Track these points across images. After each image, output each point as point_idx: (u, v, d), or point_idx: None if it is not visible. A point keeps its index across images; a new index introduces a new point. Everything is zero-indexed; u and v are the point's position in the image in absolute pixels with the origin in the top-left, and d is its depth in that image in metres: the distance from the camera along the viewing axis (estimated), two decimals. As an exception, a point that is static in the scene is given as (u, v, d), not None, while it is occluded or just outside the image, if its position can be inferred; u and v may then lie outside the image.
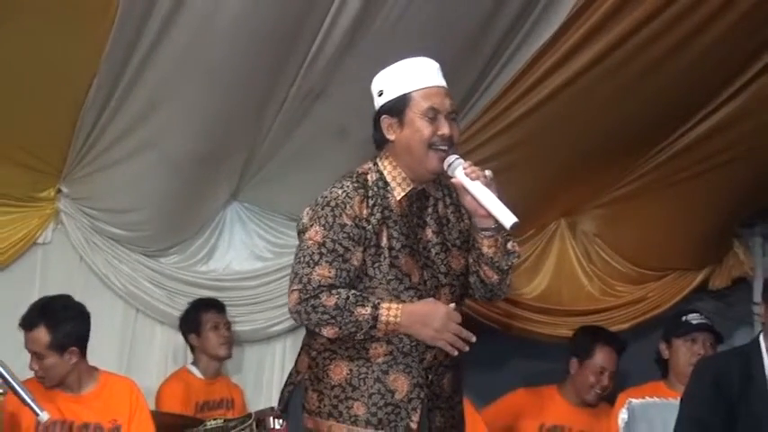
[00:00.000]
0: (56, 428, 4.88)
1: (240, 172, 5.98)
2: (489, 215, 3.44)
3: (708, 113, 5.81)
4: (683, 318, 5.79)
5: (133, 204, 5.90)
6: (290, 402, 3.58)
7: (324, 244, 3.38)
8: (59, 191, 5.84)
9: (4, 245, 5.74)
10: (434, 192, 3.61)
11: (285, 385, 3.64)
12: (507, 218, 3.39)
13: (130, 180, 5.71)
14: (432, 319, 3.39)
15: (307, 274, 3.37)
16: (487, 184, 3.43)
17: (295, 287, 3.39)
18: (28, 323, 4.89)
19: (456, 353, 3.46)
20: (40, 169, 5.68)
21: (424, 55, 3.63)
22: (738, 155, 5.99)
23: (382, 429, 3.40)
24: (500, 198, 3.43)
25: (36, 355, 4.87)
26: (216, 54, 5.01)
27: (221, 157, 5.74)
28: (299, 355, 3.61)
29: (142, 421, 5.00)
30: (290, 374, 3.63)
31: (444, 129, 3.47)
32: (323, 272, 3.36)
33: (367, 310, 3.35)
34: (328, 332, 3.38)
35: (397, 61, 3.56)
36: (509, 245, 3.60)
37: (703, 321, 5.74)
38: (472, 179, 3.42)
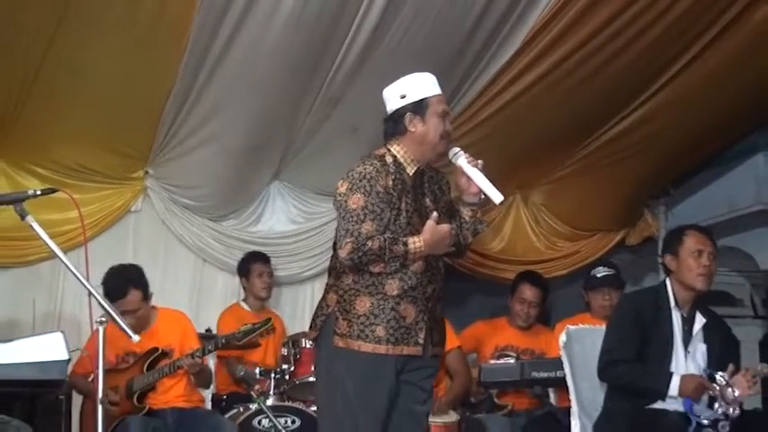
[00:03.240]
0: (129, 359, 4.86)
1: (280, 159, 5.95)
2: (479, 192, 3.51)
3: (625, 115, 5.80)
4: (591, 272, 5.63)
5: (201, 182, 5.88)
6: (322, 329, 3.55)
7: (366, 206, 3.38)
8: (146, 172, 5.82)
9: (105, 212, 5.74)
10: (427, 170, 3.63)
11: (316, 315, 3.58)
12: (496, 195, 3.46)
13: (199, 164, 5.69)
14: (441, 239, 3.43)
15: (357, 229, 3.36)
16: (481, 170, 3.49)
17: (348, 240, 3.37)
18: (121, 291, 4.69)
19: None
20: (132, 156, 5.68)
21: (419, 68, 3.61)
22: (648, 146, 6.00)
23: (398, 345, 3.42)
24: (490, 180, 3.49)
25: (131, 313, 4.70)
26: (262, 71, 5.00)
27: (266, 147, 5.73)
28: (326, 292, 3.57)
29: (189, 339, 4.93)
30: (320, 307, 3.57)
31: (449, 126, 3.55)
32: (368, 227, 3.36)
33: (401, 247, 3.38)
34: (375, 268, 3.40)
35: (398, 76, 3.55)
36: (479, 216, 3.65)
37: (605, 274, 5.55)
38: (472, 166, 3.49)
